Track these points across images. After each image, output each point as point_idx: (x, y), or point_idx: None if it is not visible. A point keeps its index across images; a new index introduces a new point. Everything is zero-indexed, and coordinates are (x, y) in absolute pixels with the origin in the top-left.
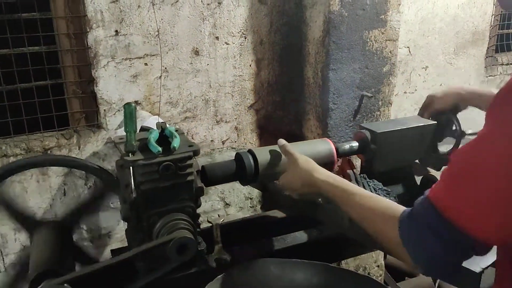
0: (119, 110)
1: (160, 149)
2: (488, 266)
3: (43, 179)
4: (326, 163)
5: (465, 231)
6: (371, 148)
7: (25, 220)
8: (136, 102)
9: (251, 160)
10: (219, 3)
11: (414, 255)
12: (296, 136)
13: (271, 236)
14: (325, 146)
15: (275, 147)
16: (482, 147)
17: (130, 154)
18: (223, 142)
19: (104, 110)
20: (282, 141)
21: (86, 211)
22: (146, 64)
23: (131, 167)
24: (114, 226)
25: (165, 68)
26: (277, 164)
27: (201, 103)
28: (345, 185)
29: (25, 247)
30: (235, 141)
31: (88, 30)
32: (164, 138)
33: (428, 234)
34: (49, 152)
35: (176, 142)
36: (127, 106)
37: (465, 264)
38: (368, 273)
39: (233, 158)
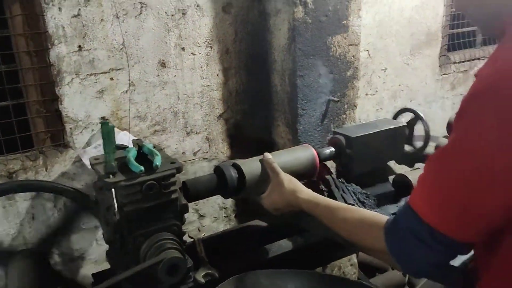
0: (86, 128)
1: (142, 168)
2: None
3: (10, 205)
4: (310, 169)
5: (445, 234)
6: (347, 152)
7: None
8: (103, 118)
9: (233, 173)
10: (184, 14)
11: (402, 262)
12: (266, 142)
13: (255, 247)
14: (308, 152)
15: (256, 159)
16: (450, 155)
17: (110, 176)
18: (194, 154)
19: (71, 128)
20: (267, 155)
21: (60, 235)
22: (111, 78)
23: (112, 189)
24: (87, 247)
25: (132, 81)
26: (262, 176)
27: (170, 116)
28: (327, 202)
29: None
30: (207, 152)
31: (50, 46)
32: (143, 156)
33: (412, 240)
34: (14, 175)
35: (158, 160)
36: (104, 125)
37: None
38: (343, 272)
39: (208, 170)
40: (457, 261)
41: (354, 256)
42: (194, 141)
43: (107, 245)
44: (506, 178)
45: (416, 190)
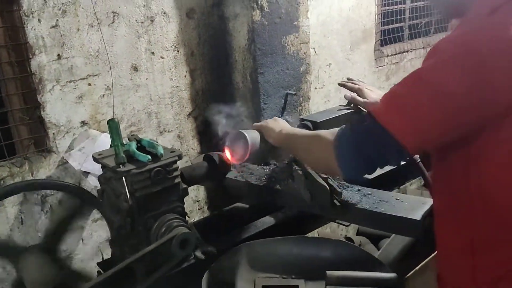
0: (67, 132)
1: (149, 157)
2: (427, 215)
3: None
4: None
5: (394, 136)
6: None
7: (8, 250)
8: (83, 122)
9: (221, 159)
10: (152, 21)
11: (343, 161)
12: None
13: (241, 225)
14: None
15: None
16: (409, 82)
17: (120, 166)
18: None
19: (53, 133)
20: (256, 124)
21: (66, 231)
22: (89, 84)
23: (123, 177)
24: (74, 247)
25: (108, 86)
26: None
27: (144, 116)
28: (291, 130)
29: None
30: (179, 149)
31: (31, 56)
32: (141, 149)
33: (365, 136)
34: (2, 182)
35: (161, 149)
36: (111, 121)
37: (405, 214)
38: None
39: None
40: (418, 213)
41: (316, 236)
42: (166, 139)
43: (111, 235)
44: (460, 105)
45: (378, 104)
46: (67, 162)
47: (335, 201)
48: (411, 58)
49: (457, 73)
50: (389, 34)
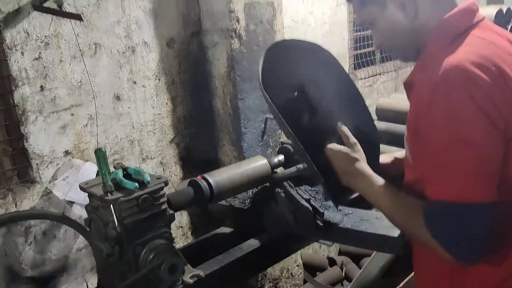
0: (51, 162)
1: (137, 184)
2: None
3: None
4: (264, 175)
5: (478, 202)
6: (295, 158)
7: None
8: (66, 152)
9: (206, 183)
10: (133, 51)
11: (445, 240)
12: (212, 162)
13: (228, 248)
14: (261, 161)
15: (226, 169)
16: (436, 151)
17: (108, 194)
18: None
19: (37, 164)
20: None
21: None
22: (72, 114)
23: (111, 205)
24: (58, 277)
25: (91, 115)
26: (232, 181)
27: (127, 144)
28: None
29: None
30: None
31: (14, 88)
32: (128, 176)
33: (445, 221)
34: None
35: (147, 177)
36: (98, 151)
37: (385, 232)
38: (291, 274)
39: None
40: (397, 231)
41: (299, 257)
42: (149, 166)
43: (97, 264)
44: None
45: (434, 185)
46: (51, 192)
47: (318, 221)
48: (384, 81)
49: (480, 121)
50: (361, 58)
